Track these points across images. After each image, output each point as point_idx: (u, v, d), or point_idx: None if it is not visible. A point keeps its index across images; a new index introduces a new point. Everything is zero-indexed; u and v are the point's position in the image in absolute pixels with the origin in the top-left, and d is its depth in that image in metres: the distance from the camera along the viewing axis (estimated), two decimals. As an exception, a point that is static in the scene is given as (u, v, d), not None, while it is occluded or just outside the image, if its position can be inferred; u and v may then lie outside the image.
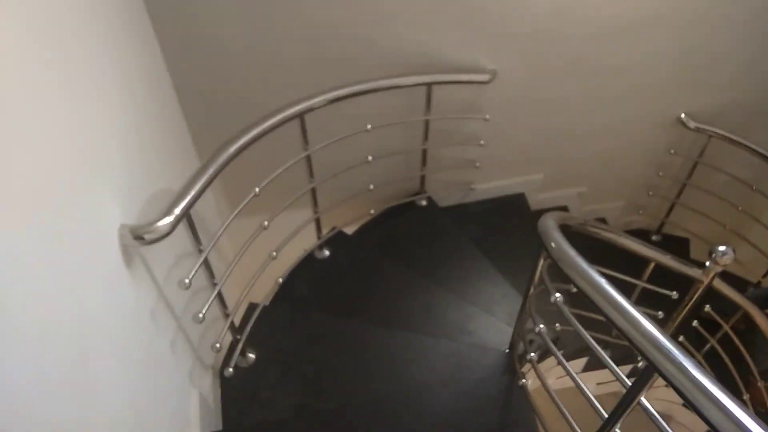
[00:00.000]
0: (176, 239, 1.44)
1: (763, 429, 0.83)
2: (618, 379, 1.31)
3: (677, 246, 3.57)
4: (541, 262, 1.78)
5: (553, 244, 1.50)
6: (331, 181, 2.27)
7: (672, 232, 3.53)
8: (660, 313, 2.27)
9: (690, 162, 3.09)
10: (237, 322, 1.95)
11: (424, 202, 2.89)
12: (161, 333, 1.45)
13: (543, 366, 2.28)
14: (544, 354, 2.24)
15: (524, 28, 2.30)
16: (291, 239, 2.16)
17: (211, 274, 1.69)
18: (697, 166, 3.08)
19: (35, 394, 0.79)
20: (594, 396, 1.39)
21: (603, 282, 1.26)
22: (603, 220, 3.53)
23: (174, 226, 1.30)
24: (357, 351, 2.10)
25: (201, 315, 1.54)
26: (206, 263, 1.61)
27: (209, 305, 1.60)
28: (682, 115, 2.89)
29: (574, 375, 1.47)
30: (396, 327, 2.23)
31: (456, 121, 2.57)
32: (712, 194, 3.19)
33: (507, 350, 2.19)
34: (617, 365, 1.39)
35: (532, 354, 1.76)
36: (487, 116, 2.57)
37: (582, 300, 1.31)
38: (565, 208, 3.35)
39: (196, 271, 1.50)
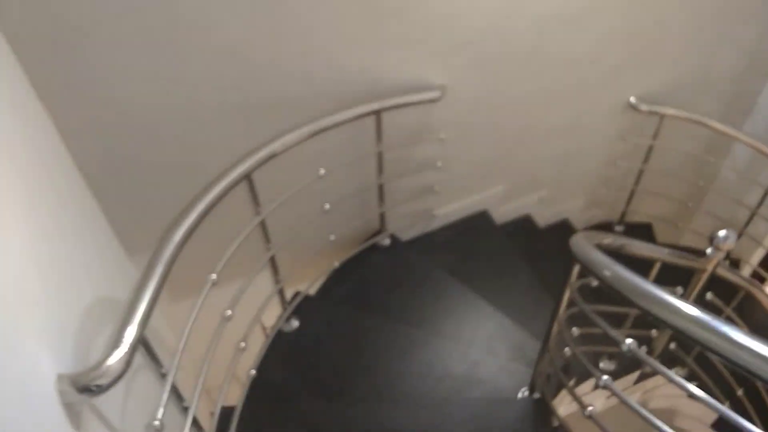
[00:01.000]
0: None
1: None
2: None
3: (641, 232, 3.49)
4: (567, 293, 1.54)
5: (607, 273, 1.25)
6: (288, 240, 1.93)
7: (633, 219, 3.44)
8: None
9: (645, 146, 2.99)
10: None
11: (387, 241, 2.60)
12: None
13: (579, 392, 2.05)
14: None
15: (468, 34, 2.08)
16: (257, 321, 1.79)
17: (179, 397, 1.30)
18: (653, 149, 2.99)
19: None
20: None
21: (701, 313, 1.01)
22: (566, 221, 3.38)
23: (129, 359, 0.92)
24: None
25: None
26: (174, 389, 1.23)
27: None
28: (632, 99, 2.78)
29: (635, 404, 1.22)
30: (399, 399, 1.90)
31: (409, 146, 2.30)
32: (669, 175, 3.12)
33: (526, 392, 1.92)
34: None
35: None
36: (442, 135, 2.33)
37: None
38: (528, 217, 3.17)
39: (165, 404, 1.12)
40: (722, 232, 1.91)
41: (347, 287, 2.39)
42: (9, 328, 0.75)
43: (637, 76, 2.70)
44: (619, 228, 3.45)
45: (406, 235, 2.74)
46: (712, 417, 2.64)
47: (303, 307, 2.19)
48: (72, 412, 0.86)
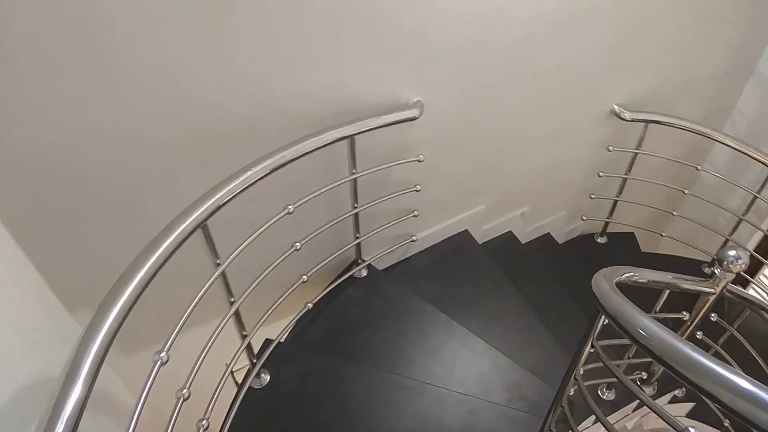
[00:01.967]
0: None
1: None
2: None
3: (625, 242, 3.35)
4: (588, 347, 1.34)
5: (643, 331, 1.04)
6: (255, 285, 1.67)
7: (615, 229, 3.29)
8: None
9: (628, 155, 2.84)
10: None
11: (364, 273, 2.36)
12: None
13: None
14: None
15: (445, 45, 1.87)
16: (219, 390, 1.53)
17: None
18: (637, 157, 2.84)
19: None
20: None
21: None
22: (548, 236, 3.21)
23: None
24: None
25: None
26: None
27: None
28: (615, 107, 2.62)
29: None
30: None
31: (385, 170, 2.06)
32: (652, 182, 2.99)
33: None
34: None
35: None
36: (421, 156, 2.10)
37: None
38: (509, 234, 2.98)
39: None
40: (732, 252, 1.75)
41: (322, 329, 2.14)
42: None
43: (620, 82, 2.55)
44: (602, 239, 3.31)
45: (383, 263, 2.50)
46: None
47: (274, 356, 1.92)
48: None
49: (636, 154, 2.80)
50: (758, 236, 3.40)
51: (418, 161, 2.10)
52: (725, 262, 1.77)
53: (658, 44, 2.48)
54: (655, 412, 1.17)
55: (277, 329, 2.02)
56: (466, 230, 2.70)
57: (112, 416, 1.48)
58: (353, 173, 1.93)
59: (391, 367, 2.04)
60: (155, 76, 1.38)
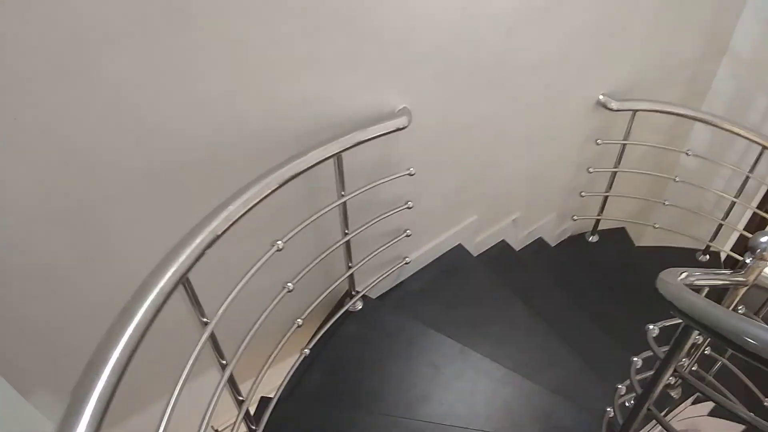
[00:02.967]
0: None
1: None
2: None
3: (617, 238, 3.22)
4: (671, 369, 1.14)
5: (753, 341, 0.84)
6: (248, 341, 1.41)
7: (605, 226, 3.16)
8: None
9: (615, 147, 2.71)
10: None
11: (359, 306, 2.11)
12: None
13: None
14: None
15: (429, 44, 1.67)
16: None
17: None
18: (625, 149, 2.70)
19: None
20: None
21: None
22: (540, 240, 3.04)
23: None
24: None
25: None
26: None
27: None
28: (601, 97, 2.48)
29: None
30: None
31: (374, 188, 1.83)
32: (643, 173, 2.88)
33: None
34: None
35: None
36: (411, 169, 1.89)
37: None
38: (503, 243, 2.79)
39: None
40: (764, 239, 1.60)
41: (322, 376, 1.88)
42: None
43: (604, 71, 2.41)
44: (593, 238, 3.16)
45: (376, 290, 2.27)
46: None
47: (272, 417, 1.65)
48: None
49: (624, 145, 2.67)
50: (747, 216, 3.33)
51: (410, 175, 1.88)
52: (758, 250, 1.61)
53: (639, 29, 2.36)
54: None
55: (271, 380, 1.75)
56: (460, 244, 2.50)
57: None
58: (342, 195, 1.70)
59: (404, 410, 1.80)
60: (101, 102, 1.13)
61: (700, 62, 2.90)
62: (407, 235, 2.12)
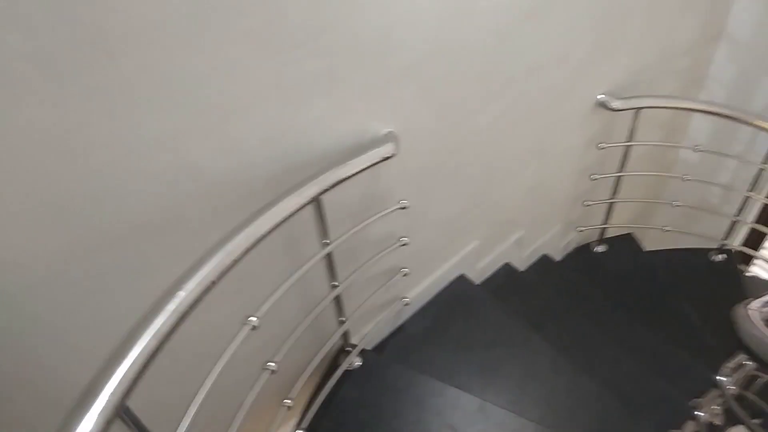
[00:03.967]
0: None
1: None
2: None
3: (625, 246, 2.98)
4: None
5: None
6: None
7: (611, 232, 2.92)
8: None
9: (617, 152, 2.47)
10: None
11: (358, 362, 1.83)
12: None
13: None
14: None
15: (413, 52, 1.40)
16: None
17: None
18: (629, 151, 2.47)
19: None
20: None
21: None
22: (546, 257, 2.78)
23: None
24: None
25: None
26: None
27: None
28: (602, 98, 2.24)
29: None
30: None
31: (362, 231, 1.55)
32: (649, 174, 2.65)
33: None
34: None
35: None
36: (403, 202, 1.62)
37: None
38: (507, 266, 2.53)
39: None
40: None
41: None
42: None
43: (603, 68, 2.17)
44: (600, 248, 2.92)
45: (373, 338, 1.99)
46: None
47: None
48: None
49: (628, 147, 2.44)
50: (757, 209, 3.13)
51: (402, 208, 1.61)
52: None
53: (638, 20, 2.13)
54: None
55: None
56: (462, 275, 2.22)
57: None
58: (326, 244, 1.41)
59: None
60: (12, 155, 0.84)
61: (697, 49, 2.69)
62: (405, 275, 1.85)
